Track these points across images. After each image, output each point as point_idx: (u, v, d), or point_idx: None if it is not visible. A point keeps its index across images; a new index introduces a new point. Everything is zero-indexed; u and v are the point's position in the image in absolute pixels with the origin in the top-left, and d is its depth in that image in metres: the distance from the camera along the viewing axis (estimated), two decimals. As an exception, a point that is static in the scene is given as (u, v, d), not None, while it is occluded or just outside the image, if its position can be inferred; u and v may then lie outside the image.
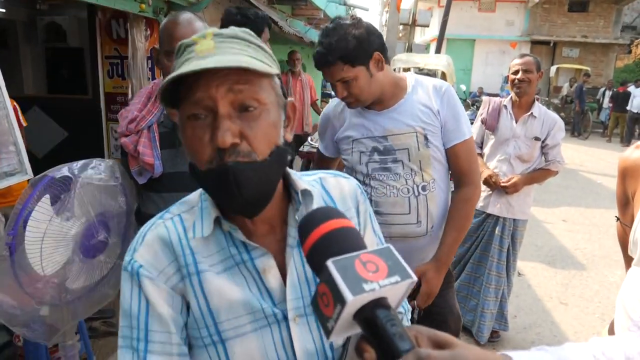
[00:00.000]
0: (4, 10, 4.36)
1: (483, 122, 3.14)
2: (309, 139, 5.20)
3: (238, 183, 0.73)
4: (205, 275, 0.80)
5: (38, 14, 4.59)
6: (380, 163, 1.72)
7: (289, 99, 0.85)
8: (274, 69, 0.78)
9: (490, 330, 3.17)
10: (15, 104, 3.11)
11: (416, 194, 1.71)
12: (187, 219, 0.84)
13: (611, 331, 1.34)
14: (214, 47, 0.74)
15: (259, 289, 0.81)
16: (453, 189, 1.86)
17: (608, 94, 15.55)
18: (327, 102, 15.31)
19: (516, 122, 3.01)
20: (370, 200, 1.72)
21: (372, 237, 0.97)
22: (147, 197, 1.74)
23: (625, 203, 1.41)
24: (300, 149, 5.08)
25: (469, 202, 1.78)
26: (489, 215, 3.10)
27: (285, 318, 0.80)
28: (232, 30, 0.77)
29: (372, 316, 0.54)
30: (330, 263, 0.55)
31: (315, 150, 4.75)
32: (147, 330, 0.77)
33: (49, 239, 1.57)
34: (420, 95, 1.73)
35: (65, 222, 1.61)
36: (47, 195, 1.57)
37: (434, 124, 1.71)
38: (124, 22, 3.54)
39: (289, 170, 0.87)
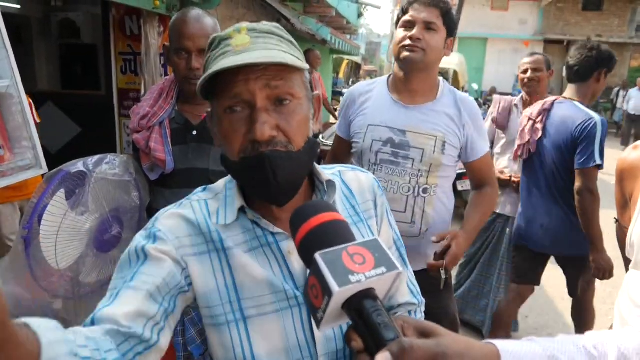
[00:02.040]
0: (19, 7, 4.40)
1: (494, 121, 3.12)
2: (320, 136, 5.18)
3: (274, 170, 0.75)
4: (232, 251, 0.82)
5: (52, 11, 4.63)
6: (391, 155, 1.72)
7: (315, 92, 0.88)
8: (305, 64, 0.81)
9: (500, 330, 3.15)
10: (30, 100, 3.14)
11: (415, 194, 1.71)
12: (212, 204, 0.86)
13: None
14: (249, 42, 0.76)
15: (282, 271, 0.83)
16: (470, 190, 1.90)
17: (622, 94, 15.34)
18: (337, 101, 15.23)
19: None
20: None
21: (389, 230, 0.99)
22: (159, 192, 1.74)
23: (623, 205, 1.39)
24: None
25: (492, 198, 1.85)
26: (499, 215, 3.08)
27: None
28: (266, 25, 0.80)
29: (359, 307, 0.55)
30: (318, 256, 0.56)
31: (325, 147, 4.76)
32: (136, 274, 0.76)
33: (64, 233, 1.59)
34: (448, 105, 1.75)
35: (79, 216, 1.62)
36: (62, 190, 1.58)
37: (455, 135, 1.73)
38: (137, 18, 3.56)
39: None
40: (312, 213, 0.64)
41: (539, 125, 2.53)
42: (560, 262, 2.71)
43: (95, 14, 4.41)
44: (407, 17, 1.70)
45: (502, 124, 3.06)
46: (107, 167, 1.67)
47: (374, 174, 1.71)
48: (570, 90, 2.56)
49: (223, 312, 0.81)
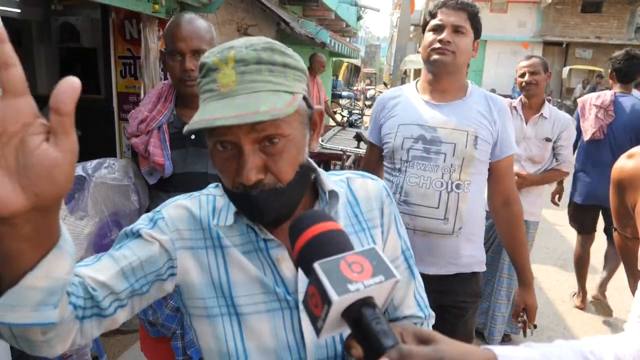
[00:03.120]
0: (19, 11, 4.42)
1: None
2: (320, 139, 5.18)
3: (261, 210, 0.77)
4: (228, 250, 0.84)
5: (52, 14, 4.63)
6: (423, 151, 1.71)
7: (316, 107, 0.85)
8: (298, 98, 0.76)
9: (502, 333, 3.14)
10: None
11: (449, 190, 1.69)
12: (219, 201, 0.89)
13: None
14: (234, 81, 0.73)
15: (274, 276, 0.84)
16: (491, 209, 1.86)
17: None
18: (337, 103, 15.11)
19: (526, 123, 2.99)
20: (401, 188, 1.73)
21: (396, 240, 0.96)
22: (158, 197, 1.74)
23: (623, 214, 1.36)
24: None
25: (521, 216, 1.85)
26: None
27: (297, 306, 0.83)
28: (256, 52, 0.74)
29: (358, 315, 0.56)
30: (317, 265, 0.56)
31: (324, 150, 4.75)
32: (121, 245, 0.81)
33: (63, 237, 1.59)
34: (478, 102, 1.76)
35: (79, 221, 1.62)
36: (61, 194, 1.58)
37: (487, 130, 1.72)
38: (137, 22, 3.56)
39: (318, 169, 0.90)
40: (310, 223, 0.64)
41: (611, 113, 3.41)
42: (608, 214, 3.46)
43: (94, 18, 4.42)
44: (436, 21, 1.71)
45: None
46: (106, 171, 1.67)
47: (406, 170, 1.72)
48: (620, 87, 3.49)
49: (217, 305, 0.83)
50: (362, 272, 0.57)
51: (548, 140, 2.94)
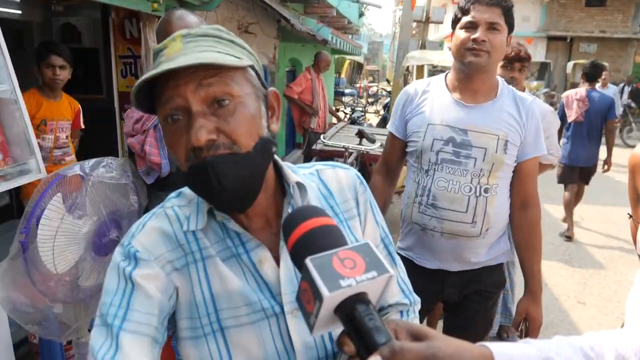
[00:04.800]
0: (20, 12, 4.42)
1: None
2: (322, 137, 5.14)
3: (218, 176, 0.72)
4: (209, 260, 0.80)
5: (53, 15, 4.64)
6: (452, 155, 1.67)
7: (270, 88, 0.84)
8: (245, 61, 0.76)
9: (497, 324, 3.11)
10: (79, 106, 3.20)
11: (477, 194, 1.66)
12: (184, 211, 0.84)
13: None
14: (181, 48, 0.74)
15: (256, 281, 0.81)
16: (511, 212, 1.79)
17: (627, 89, 15.24)
18: (340, 101, 14.97)
19: None
20: (429, 191, 1.69)
21: (374, 228, 0.94)
22: (155, 195, 1.74)
23: (636, 200, 1.38)
24: (313, 147, 5.03)
25: (538, 222, 1.78)
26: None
27: (283, 311, 0.80)
28: (202, 28, 0.77)
29: (351, 311, 0.55)
30: (308, 261, 0.56)
31: (327, 148, 4.72)
32: (128, 309, 0.75)
33: (61, 237, 1.58)
34: (508, 103, 1.71)
35: (77, 220, 1.62)
36: (59, 194, 1.58)
37: (517, 133, 1.68)
38: (137, 21, 3.56)
39: (282, 163, 0.87)
40: (303, 219, 0.63)
41: (587, 103, 5.08)
42: (584, 171, 5.28)
43: (95, 18, 4.42)
44: (468, 18, 1.63)
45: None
46: (104, 170, 1.67)
47: (434, 173, 1.68)
48: (588, 85, 5.19)
49: (200, 325, 0.80)
50: (354, 267, 0.56)
51: None
